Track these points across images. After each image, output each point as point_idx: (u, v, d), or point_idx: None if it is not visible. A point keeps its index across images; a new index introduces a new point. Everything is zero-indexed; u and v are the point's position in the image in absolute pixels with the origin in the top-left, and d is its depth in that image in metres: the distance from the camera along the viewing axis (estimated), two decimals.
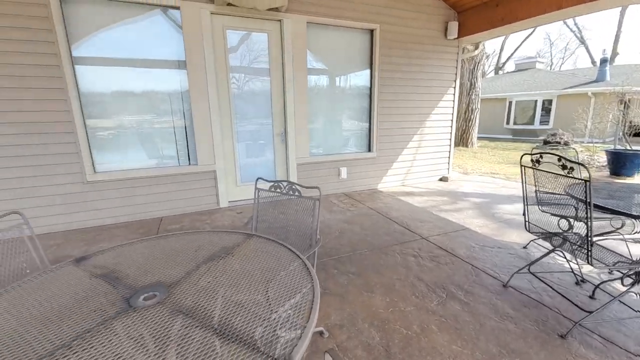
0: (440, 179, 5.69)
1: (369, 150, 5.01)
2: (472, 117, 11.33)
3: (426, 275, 2.43)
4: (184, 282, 1.14)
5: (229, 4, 3.55)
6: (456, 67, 5.30)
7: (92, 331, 0.89)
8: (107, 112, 3.47)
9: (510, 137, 15.78)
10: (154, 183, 3.71)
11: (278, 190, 1.88)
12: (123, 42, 3.38)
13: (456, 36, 5.03)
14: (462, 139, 11.47)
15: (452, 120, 5.51)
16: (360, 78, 4.75)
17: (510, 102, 15.90)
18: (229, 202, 4.18)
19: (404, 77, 4.90)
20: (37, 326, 0.92)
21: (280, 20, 3.95)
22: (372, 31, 4.57)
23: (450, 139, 5.59)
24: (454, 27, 4.96)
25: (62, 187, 3.33)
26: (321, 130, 4.66)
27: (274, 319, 0.96)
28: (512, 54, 27.34)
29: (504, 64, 27.78)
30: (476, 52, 6.38)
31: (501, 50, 27.62)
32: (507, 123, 16.08)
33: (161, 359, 0.79)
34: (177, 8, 3.45)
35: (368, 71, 4.73)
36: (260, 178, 1.99)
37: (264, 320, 0.94)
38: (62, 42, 3.08)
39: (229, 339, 0.85)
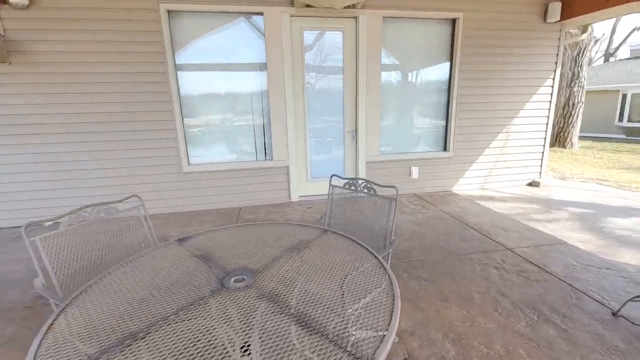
0: (530, 184, 5.01)
1: (445, 149, 4.67)
2: (572, 112, 9.64)
3: (511, 291, 2.17)
4: (267, 269, 1.22)
5: (307, 5, 3.67)
6: (556, 55, 4.56)
7: (195, 304, 1.01)
8: (198, 111, 3.92)
9: (624, 136, 13.03)
10: (234, 176, 4.08)
11: (352, 187, 1.88)
12: (213, 48, 3.77)
13: (558, 19, 4.33)
14: (558, 139, 9.87)
15: (547, 117, 4.79)
16: (437, 72, 4.45)
17: (625, 95, 13.09)
18: (300, 196, 4.36)
19: (490, 69, 4.42)
20: (155, 294, 1.09)
21: (355, 18, 3.93)
22: (454, 20, 4.23)
23: (545, 138, 4.87)
24: (556, 8, 4.28)
25: (164, 177, 3.89)
26: (392, 128, 4.52)
27: (348, 315, 0.96)
28: (625, 38, 22.33)
29: (616, 49, 22.86)
30: (583, 36, 5.43)
31: (612, 33, 22.76)
32: (620, 120, 13.30)
33: (247, 337, 0.86)
34: (261, 14, 3.71)
35: (447, 64, 4.40)
36: (334, 175, 2.02)
37: (338, 315, 0.95)
38: (169, 51, 3.57)
39: (307, 329, 0.89)
